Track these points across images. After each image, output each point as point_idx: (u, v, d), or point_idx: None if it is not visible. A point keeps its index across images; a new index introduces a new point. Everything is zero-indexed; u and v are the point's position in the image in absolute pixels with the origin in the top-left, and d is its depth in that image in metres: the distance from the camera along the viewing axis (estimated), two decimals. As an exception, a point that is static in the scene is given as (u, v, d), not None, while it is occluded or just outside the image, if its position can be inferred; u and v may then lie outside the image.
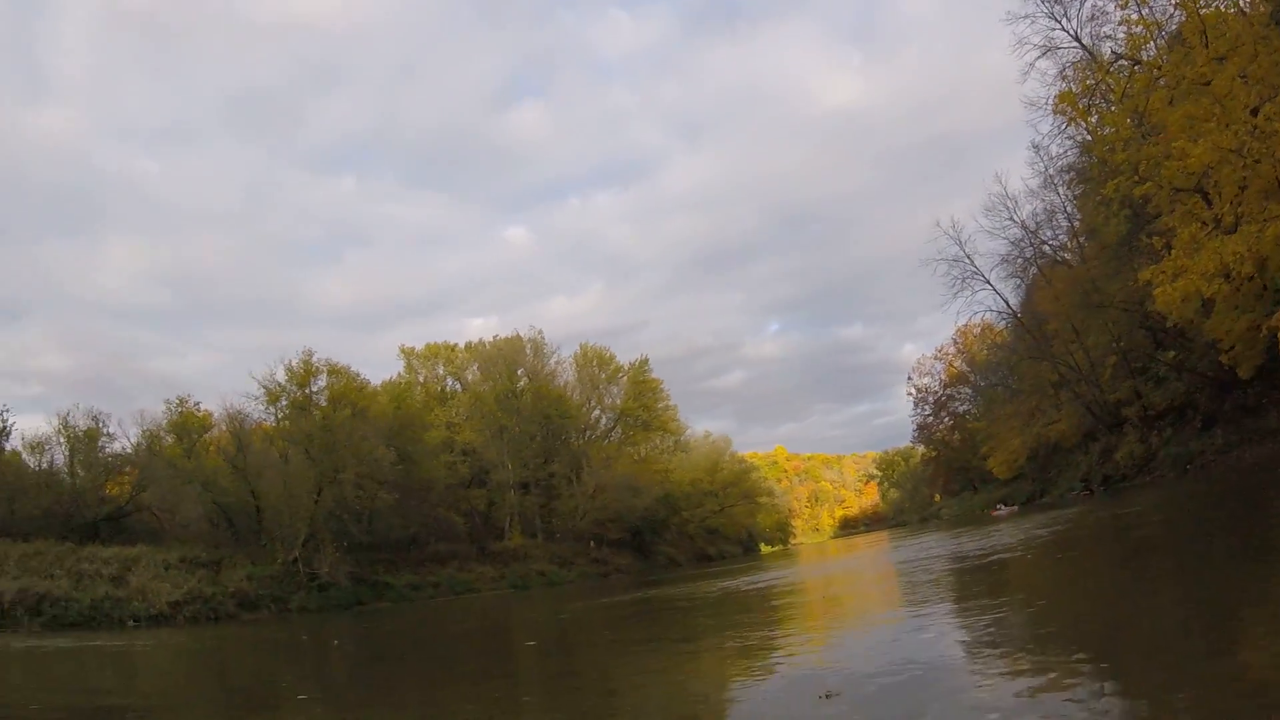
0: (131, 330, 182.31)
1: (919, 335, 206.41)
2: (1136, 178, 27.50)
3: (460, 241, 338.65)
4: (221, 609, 41.98)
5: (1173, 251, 27.90)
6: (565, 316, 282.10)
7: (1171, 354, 45.13)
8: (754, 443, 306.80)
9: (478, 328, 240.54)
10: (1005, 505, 65.78)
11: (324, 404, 54.40)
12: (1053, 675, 5.98)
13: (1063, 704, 5.26)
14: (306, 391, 54.48)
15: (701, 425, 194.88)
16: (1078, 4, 36.37)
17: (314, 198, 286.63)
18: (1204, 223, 26.54)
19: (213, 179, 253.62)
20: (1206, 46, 23.69)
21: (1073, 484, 57.14)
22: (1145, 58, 28.74)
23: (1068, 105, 30.10)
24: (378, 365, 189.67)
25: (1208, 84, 23.46)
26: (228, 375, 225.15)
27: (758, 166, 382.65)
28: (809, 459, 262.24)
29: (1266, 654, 5.50)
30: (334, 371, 55.91)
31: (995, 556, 17.94)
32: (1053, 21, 37.50)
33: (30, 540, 40.75)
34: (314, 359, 54.93)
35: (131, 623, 37.34)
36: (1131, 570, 11.56)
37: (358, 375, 58.24)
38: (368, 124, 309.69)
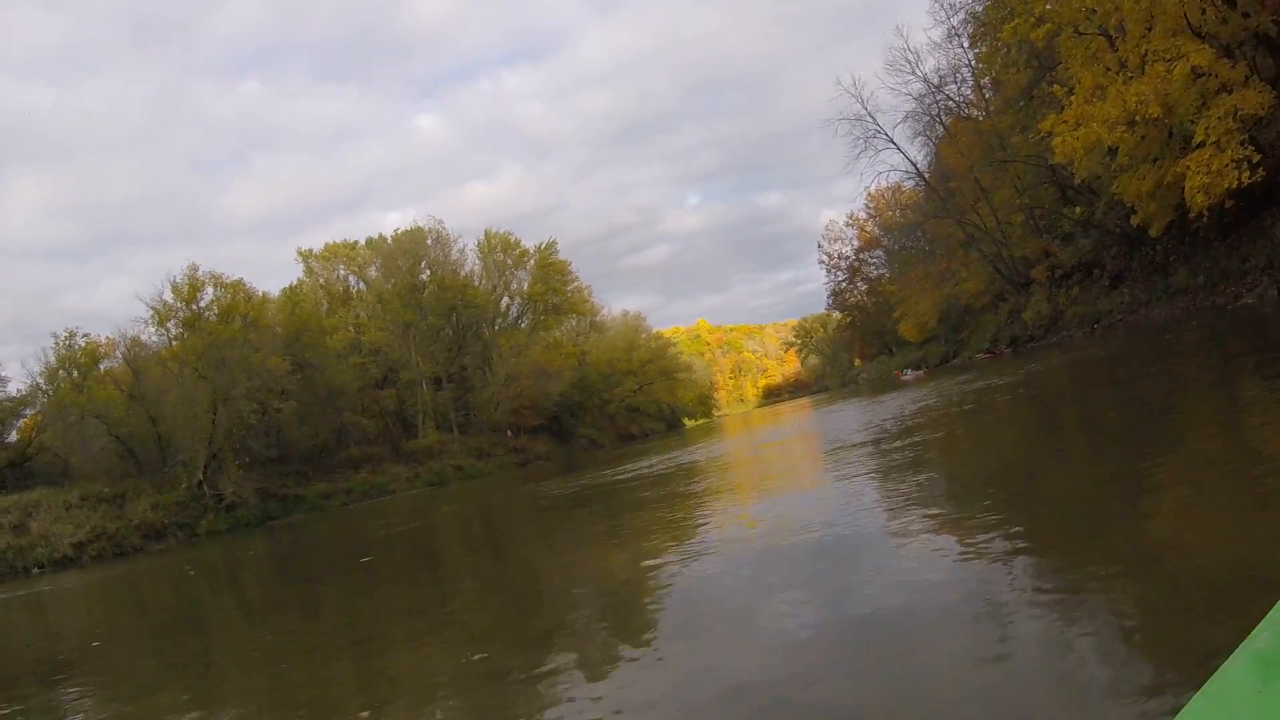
0: (44, 268, 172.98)
1: (837, 201, 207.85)
2: (1035, 19, 25.91)
3: (372, 135, 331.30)
4: (127, 543, 40.77)
5: (1074, 99, 26.58)
6: (484, 203, 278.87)
7: (1079, 210, 43.98)
8: (677, 317, 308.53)
9: (394, 221, 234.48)
10: (912, 370, 65.91)
11: (213, 319, 51.87)
12: (962, 533, 6.03)
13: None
14: (194, 308, 51.80)
15: (625, 303, 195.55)
16: None
17: (221, 108, 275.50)
18: (1108, 67, 25.15)
19: (114, 103, 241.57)
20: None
21: (983, 345, 56.82)
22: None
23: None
24: (293, 272, 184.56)
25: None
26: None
27: (674, 33, 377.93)
28: (731, 330, 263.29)
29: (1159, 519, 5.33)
30: (221, 284, 53.21)
31: (902, 422, 16.97)
32: None
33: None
34: (199, 273, 52.18)
35: (36, 570, 36.12)
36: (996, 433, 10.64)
37: (246, 285, 55.51)
38: (267, 23, 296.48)
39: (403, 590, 11.00)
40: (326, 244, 79.88)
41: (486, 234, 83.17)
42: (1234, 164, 22.73)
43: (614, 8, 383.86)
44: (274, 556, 24.59)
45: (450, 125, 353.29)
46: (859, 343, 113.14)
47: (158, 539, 42.36)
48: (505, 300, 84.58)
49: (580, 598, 7.34)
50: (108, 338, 54.19)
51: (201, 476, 47.24)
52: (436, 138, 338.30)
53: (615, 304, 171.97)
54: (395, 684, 5.89)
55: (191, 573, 23.36)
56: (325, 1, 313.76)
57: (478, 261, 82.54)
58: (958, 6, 45.71)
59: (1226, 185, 22.93)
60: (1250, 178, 22.64)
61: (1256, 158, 22.83)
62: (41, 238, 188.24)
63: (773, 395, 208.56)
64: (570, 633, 6.07)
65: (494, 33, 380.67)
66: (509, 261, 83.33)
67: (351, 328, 73.47)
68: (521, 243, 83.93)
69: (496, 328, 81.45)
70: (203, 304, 52.09)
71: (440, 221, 79.16)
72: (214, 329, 50.39)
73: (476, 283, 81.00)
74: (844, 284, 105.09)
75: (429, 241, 77.69)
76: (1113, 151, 29.40)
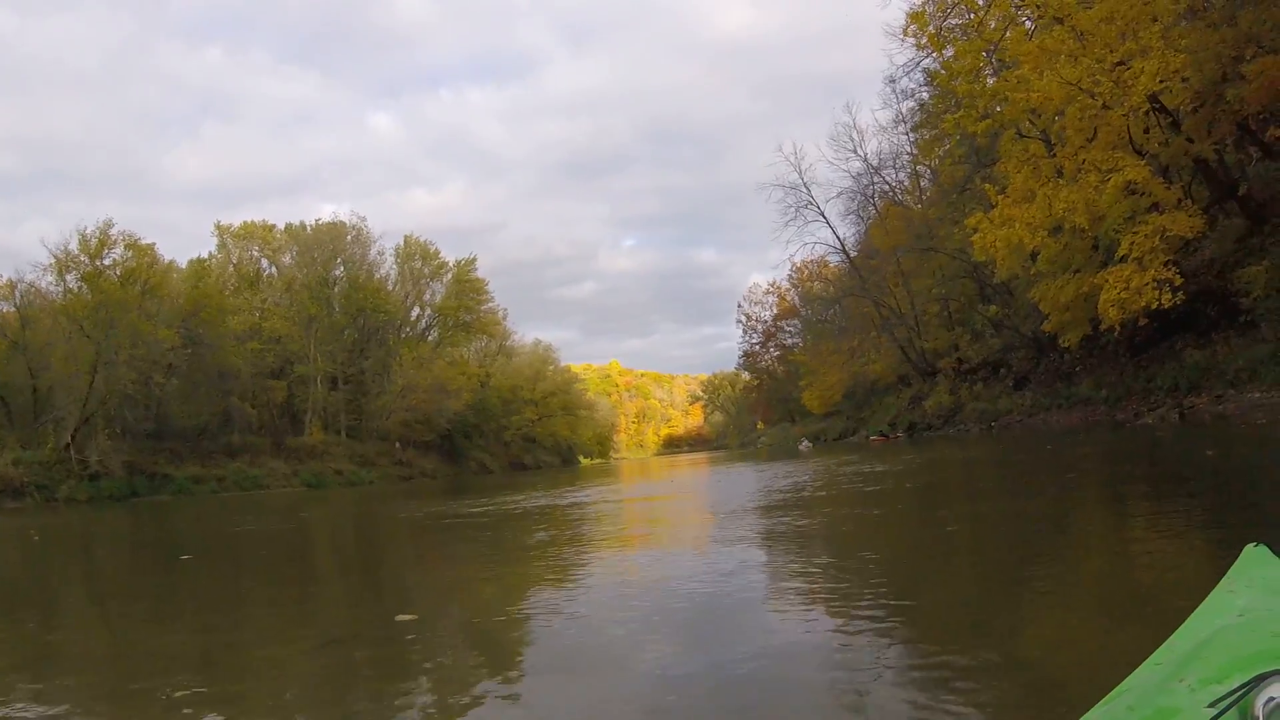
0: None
1: (769, 267, 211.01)
2: (978, 113, 25.88)
3: (326, 124, 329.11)
4: (-21, 495, 38.60)
5: (1004, 199, 26.59)
6: (424, 211, 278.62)
7: (993, 309, 44.48)
8: (592, 354, 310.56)
9: (330, 213, 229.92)
10: (808, 441, 66.37)
11: (114, 279, 49.82)
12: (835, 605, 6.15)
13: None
14: (98, 264, 49.75)
15: (546, 333, 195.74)
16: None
17: (181, 69, 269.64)
18: (1041, 171, 25.17)
19: (79, 40, 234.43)
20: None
21: (882, 425, 57.12)
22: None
23: (919, 28, 28.08)
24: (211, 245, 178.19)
25: (1066, 19, 21.76)
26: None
27: (640, 80, 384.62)
28: (642, 375, 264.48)
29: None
30: (132, 245, 51.25)
31: (795, 491, 16.66)
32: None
33: None
34: (112, 230, 50.21)
35: None
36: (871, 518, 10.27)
37: (155, 250, 53.60)
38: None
39: (224, 596, 10.06)
40: (244, 222, 77.38)
41: (406, 240, 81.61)
42: (1154, 284, 22.61)
43: (587, 46, 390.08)
44: (120, 536, 23.22)
45: (405, 129, 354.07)
46: (763, 407, 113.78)
47: (14, 497, 40.69)
48: (416, 310, 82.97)
49: (443, 628, 6.76)
50: (8, 280, 52.07)
51: (70, 440, 45.35)
52: (389, 138, 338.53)
53: (537, 332, 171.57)
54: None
55: (36, 538, 21.96)
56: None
57: (395, 267, 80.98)
58: (909, 93, 45.95)
59: (1144, 303, 22.88)
60: (1170, 300, 22.58)
61: (1178, 281, 22.76)
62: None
63: (673, 445, 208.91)
64: (428, 664, 5.56)
65: (466, 47, 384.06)
66: (426, 271, 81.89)
67: (257, 312, 71.19)
68: (440, 254, 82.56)
69: (403, 336, 79.71)
70: (107, 262, 50.15)
71: (363, 219, 77.47)
72: (110, 288, 48.40)
73: (390, 287, 79.42)
74: (757, 346, 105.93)
75: (349, 238, 75.98)
76: (1034, 256, 29.56)
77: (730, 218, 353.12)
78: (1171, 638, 1.99)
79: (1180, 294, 22.86)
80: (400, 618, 6.50)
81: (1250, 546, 2.32)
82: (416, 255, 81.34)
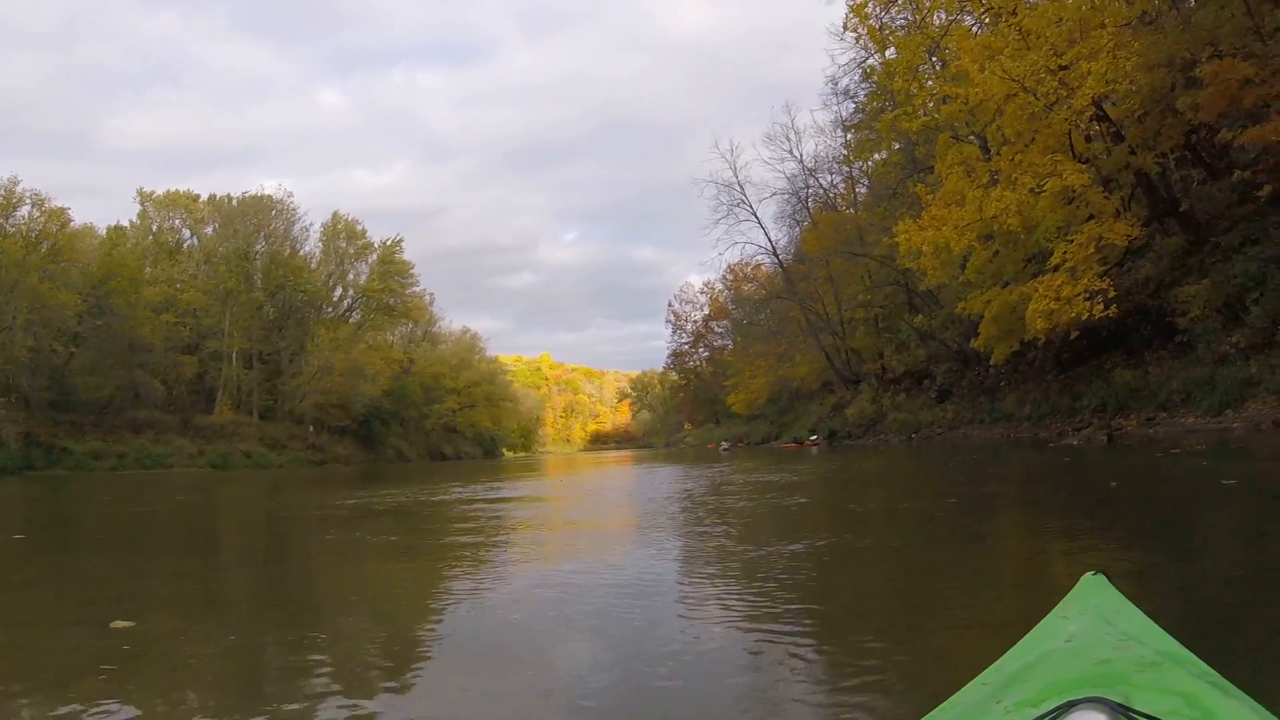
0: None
1: (707, 269, 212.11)
2: (914, 112, 25.14)
3: (275, 96, 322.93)
4: None
5: (934, 198, 25.83)
6: (367, 191, 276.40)
7: (919, 319, 43.86)
8: (525, 346, 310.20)
9: (271, 191, 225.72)
10: (727, 444, 66.18)
11: (20, 240, 47.61)
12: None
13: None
14: (1, 224, 47.50)
15: (479, 322, 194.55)
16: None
17: (136, 30, 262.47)
18: (972, 172, 24.37)
19: None
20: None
21: (804, 431, 56.71)
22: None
23: (860, 20, 27.25)
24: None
25: (1015, 14, 20.94)
26: None
27: (594, 73, 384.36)
28: (572, 370, 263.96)
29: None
30: (41, 206, 49.10)
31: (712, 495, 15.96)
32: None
33: None
34: (18, 189, 47.97)
35: None
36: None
37: (66, 213, 51.33)
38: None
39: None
40: (168, 190, 74.81)
41: (334, 216, 79.32)
42: (1086, 295, 21.84)
43: (545, 34, 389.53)
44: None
45: (353, 106, 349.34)
46: (690, 407, 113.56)
47: (-108, 466, 38.59)
48: (339, 290, 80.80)
49: (346, 620, 6.23)
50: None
51: (-39, 407, 43.10)
52: (336, 115, 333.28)
53: (472, 321, 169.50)
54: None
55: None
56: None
57: (319, 244, 78.88)
58: (849, 93, 44.95)
59: (1074, 314, 22.01)
60: (1102, 312, 21.69)
61: (1112, 293, 21.89)
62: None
63: (599, 442, 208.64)
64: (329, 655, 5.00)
65: (422, 27, 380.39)
66: (351, 251, 79.77)
67: (175, 283, 68.66)
68: (367, 234, 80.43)
69: (324, 316, 77.46)
70: (17, 221, 47.96)
71: (290, 194, 76.17)
72: (11, 249, 46.17)
73: (314, 265, 77.41)
74: (686, 346, 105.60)
75: (273, 212, 73.91)
76: (964, 265, 28.81)
77: (673, 217, 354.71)
78: (1001, 659, 2.03)
79: (1114, 306, 21.84)
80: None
81: (1089, 575, 2.38)
82: (342, 233, 79.21)
